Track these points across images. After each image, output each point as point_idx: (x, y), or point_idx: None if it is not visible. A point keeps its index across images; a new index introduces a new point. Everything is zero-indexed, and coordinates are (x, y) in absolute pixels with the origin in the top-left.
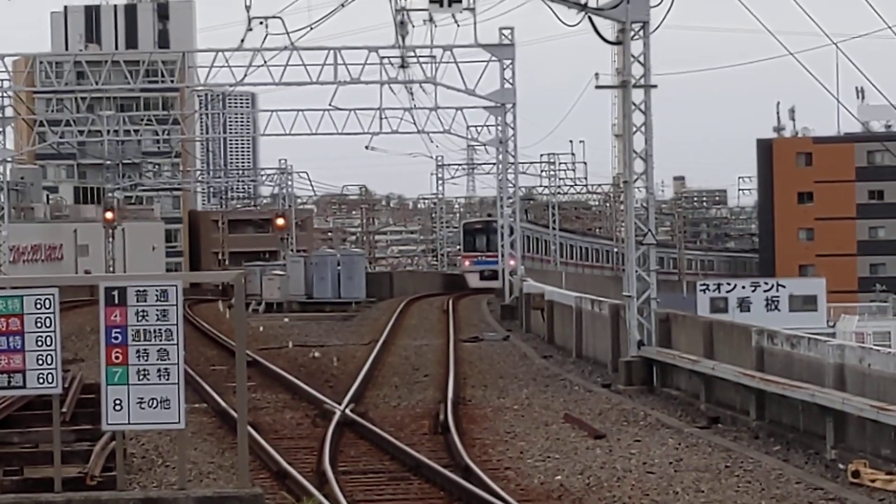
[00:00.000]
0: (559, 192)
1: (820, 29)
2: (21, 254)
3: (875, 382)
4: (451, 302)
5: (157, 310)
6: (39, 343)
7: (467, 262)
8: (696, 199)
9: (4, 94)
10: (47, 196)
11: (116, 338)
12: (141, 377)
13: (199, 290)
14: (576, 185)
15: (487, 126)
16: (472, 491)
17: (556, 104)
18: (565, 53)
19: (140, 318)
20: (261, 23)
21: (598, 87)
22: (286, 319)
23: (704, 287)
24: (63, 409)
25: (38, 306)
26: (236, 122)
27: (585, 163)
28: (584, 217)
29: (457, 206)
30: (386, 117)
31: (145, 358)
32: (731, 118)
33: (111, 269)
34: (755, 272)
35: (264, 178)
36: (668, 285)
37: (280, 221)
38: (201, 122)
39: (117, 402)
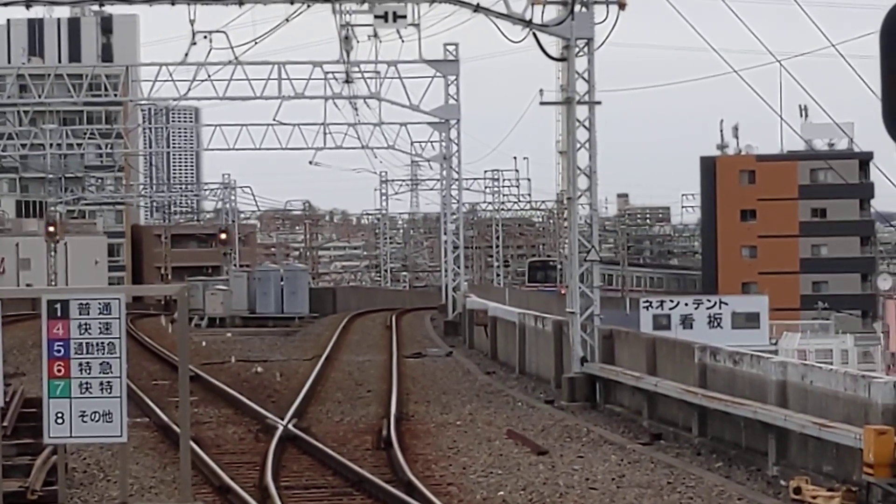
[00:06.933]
0: (503, 209)
1: (764, 46)
2: None
3: (817, 399)
4: (394, 318)
5: (100, 323)
6: None
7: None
8: (639, 216)
9: None
10: None
11: (59, 351)
12: (83, 390)
13: (141, 305)
14: (520, 201)
15: (432, 142)
16: None
17: (501, 120)
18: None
19: (83, 332)
20: (205, 37)
21: (542, 103)
22: (229, 334)
23: (647, 304)
24: (4, 423)
25: None
26: (180, 136)
27: (529, 179)
28: (528, 234)
29: (400, 221)
30: (330, 132)
31: (88, 371)
32: (674, 135)
33: (53, 283)
34: (698, 289)
35: (207, 192)
36: (611, 302)
37: (223, 236)
38: (145, 137)
39: (59, 415)
